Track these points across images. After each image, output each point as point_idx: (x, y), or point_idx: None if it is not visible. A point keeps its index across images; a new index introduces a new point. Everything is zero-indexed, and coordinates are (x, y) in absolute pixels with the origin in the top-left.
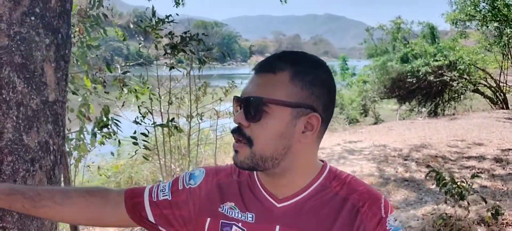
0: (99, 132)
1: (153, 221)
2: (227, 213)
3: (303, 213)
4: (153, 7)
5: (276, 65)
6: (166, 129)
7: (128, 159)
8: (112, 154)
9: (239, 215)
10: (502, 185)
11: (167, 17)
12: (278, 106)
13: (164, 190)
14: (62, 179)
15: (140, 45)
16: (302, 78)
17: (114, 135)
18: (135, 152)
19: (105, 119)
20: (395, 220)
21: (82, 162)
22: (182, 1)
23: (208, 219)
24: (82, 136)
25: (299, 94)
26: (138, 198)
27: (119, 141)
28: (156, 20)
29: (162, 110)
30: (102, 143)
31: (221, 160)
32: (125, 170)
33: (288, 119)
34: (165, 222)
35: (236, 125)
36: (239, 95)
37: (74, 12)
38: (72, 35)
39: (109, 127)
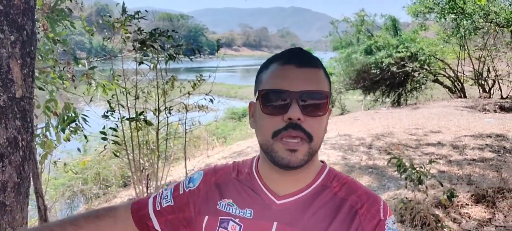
0: (65, 127)
1: (159, 230)
2: (224, 209)
3: (302, 212)
4: (123, 4)
5: (315, 61)
6: (133, 124)
7: (95, 155)
8: (79, 150)
9: (237, 211)
10: (458, 170)
11: (137, 13)
12: (328, 100)
13: (166, 197)
14: (31, 175)
15: (106, 39)
16: (326, 74)
17: (80, 130)
18: (105, 147)
19: (71, 115)
20: (394, 223)
21: (48, 159)
22: None
23: (206, 217)
24: (48, 132)
25: (329, 87)
26: (143, 210)
27: (85, 137)
28: (125, 16)
29: (129, 105)
30: (68, 139)
31: (191, 153)
32: (93, 166)
33: (329, 112)
34: (171, 228)
35: (287, 122)
36: (284, 89)
37: (37, 7)
38: (37, 31)
39: (77, 122)
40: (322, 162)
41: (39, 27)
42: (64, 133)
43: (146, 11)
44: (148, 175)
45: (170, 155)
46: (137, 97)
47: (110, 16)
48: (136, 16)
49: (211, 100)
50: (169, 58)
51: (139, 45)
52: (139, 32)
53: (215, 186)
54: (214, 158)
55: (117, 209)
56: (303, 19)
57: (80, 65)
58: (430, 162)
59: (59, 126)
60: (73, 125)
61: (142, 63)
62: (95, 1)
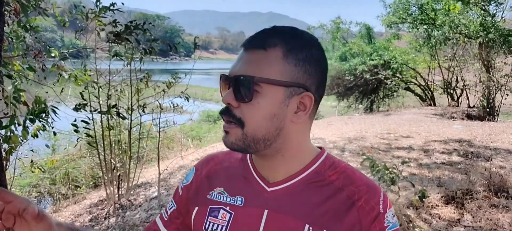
0: (34, 119)
1: None
2: (215, 198)
3: (293, 199)
4: None
5: (267, 41)
6: (105, 122)
7: (64, 153)
8: (47, 146)
9: (228, 199)
10: (428, 172)
11: (112, 4)
12: (270, 85)
13: (170, 205)
14: None
15: (79, 31)
16: (295, 55)
17: (49, 125)
18: (77, 140)
19: (39, 107)
20: (394, 216)
21: (13, 155)
22: None
23: (196, 208)
24: (13, 126)
25: (292, 72)
26: (154, 227)
27: (54, 133)
28: (100, 8)
29: (101, 102)
30: (35, 135)
31: (165, 155)
32: (61, 165)
33: (281, 99)
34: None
35: (225, 106)
36: (226, 74)
37: None
38: (7, 15)
39: (47, 113)
40: (321, 148)
41: (10, 11)
42: (33, 123)
43: (122, 3)
44: (119, 175)
45: (142, 155)
46: (109, 96)
47: (84, 6)
48: (111, 7)
49: (187, 99)
50: (144, 53)
51: (114, 37)
52: (114, 24)
53: (206, 177)
54: (188, 159)
55: None
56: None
57: (52, 56)
58: (403, 162)
59: (27, 119)
60: (39, 120)
61: (116, 55)
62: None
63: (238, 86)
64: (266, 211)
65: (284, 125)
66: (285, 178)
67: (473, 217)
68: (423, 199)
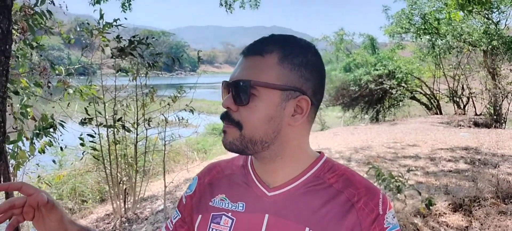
0: (41, 134)
1: None
2: (217, 205)
3: (293, 203)
4: (101, 10)
5: (263, 48)
6: (111, 137)
7: (71, 169)
8: (54, 162)
9: (230, 206)
10: (435, 180)
11: (115, 20)
12: (267, 89)
13: (174, 215)
14: (2, 178)
15: (85, 49)
16: (291, 61)
17: (56, 140)
18: (83, 154)
19: (46, 123)
20: (394, 218)
21: (20, 171)
22: (129, 6)
23: (200, 216)
24: (21, 142)
25: (287, 76)
26: None
27: (61, 148)
28: (104, 24)
29: (107, 117)
30: (42, 151)
31: (170, 168)
32: (68, 180)
33: (277, 102)
34: None
35: (224, 110)
36: (227, 80)
37: (16, 9)
38: (14, 33)
39: (54, 128)
40: (320, 152)
41: (18, 29)
42: (41, 138)
43: (125, 18)
44: (125, 189)
45: (148, 169)
46: (115, 112)
47: (88, 23)
48: (114, 23)
49: (192, 112)
50: (148, 67)
51: (118, 53)
52: (118, 39)
53: (209, 185)
54: (194, 172)
55: None
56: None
57: (57, 73)
58: (409, 170)
59: (34, 134)
60: (48, 135)
61: (121, 71)
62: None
63: (237, 90)
64: (266, 216)
65: (281, 128)
66: (285, 182)
67: (482, 225)
68: (430, 207)
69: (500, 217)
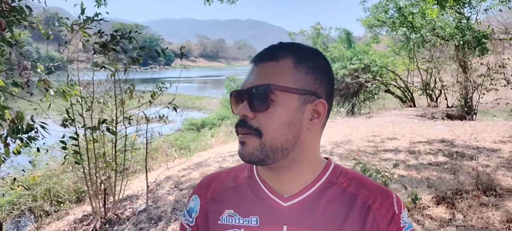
0: (18, 137)
1: None
2: (226, 222)
3: (311, 211)
4: (82, 4)
5: (276, 53)
6: (88, 136)
7: (45, 169)
8: (31, 162)
9: (241, 221)
10: (417, 174)
11: (96, 15)
12: (285, 93)
13: None
14: None
15: (63, 45)
16: (305, 65)
17: (36, 140)
18: (65, 157)
19: (27, 123)
20: (408, 217)
21: None
22: (104, 1)
23: None
24: None
25: (304, 80)
26: None
27: (38, 149)
28: (85, 18)
29: (85, 117)
30: (18, 152)
31: (150, 166)
32: (43, 181)
33: (296, 106)
34: None
35: (239, 119)
36: (238, 89)
37: None
38: None
39: (36, 130)
40: (327, 158)
41: None
42: (21, 141)
43: (107, 13)
44: (105, 189)
45: (128, 167)
46: (89, 109)
47: (67, 18)
48: (96, 18)
49: (175, 109)
50: (132, 62)
51: (100, 48)
52: (99, 35)
53: (212, 201)
54: (175, 170)
55: None
56: (260, 32)
57: (37, 71)
58: (394, 165)
59: (9, 135)
60: (29, 136)
61: (103, 67)
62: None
63: (253, 97)
64: (285, 228)
65: (301, 133)
66: (300, 190)
67: (464, 217)
68: (416, 201)
69: (482, 209)
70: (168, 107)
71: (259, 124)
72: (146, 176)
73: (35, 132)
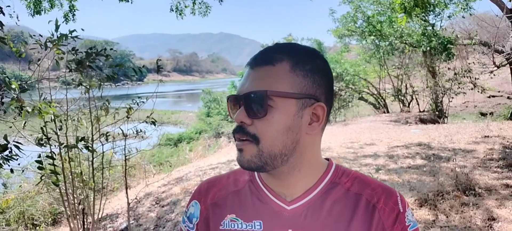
0: None
1: None
2: (228, 227)
3: (316, 213)
4: (57, 21)
5: (272, 57)
6: (64, 155)
7: (18, 191)
8: (4, 185)
9: (243, 226)
10: (398, 177)
11: (71, 32)
12: (283, 98)
13: None
14: None
15: (38, 62)
16: (302, 68)
17: (10, 160)
18: (41, 178)
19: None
20: (412, 215)
21: None
22: (73, 17)
23: None
24: None
25: (301, 84)
26: None
27: (11, 170)
28: (59, 35)
29: (58, 133)
30: None
31: (128, 183)
32: (16, 204)
33: (294, 111)
34: None
35: (236, 125)
36: (235, 94)
37: None
38: None
39: (10, 150)
40: (328, 159)
41: None
42: None
43: (82, 29)
44: (83, 209)
45: (106, 184)
46: (61, 128)
47: (41, 35)
48: (70, 35)
49: (153, 123)
50: (107, 79)
51: (76, 66)
52: (74, 52)
53: (212, 206)
54: (154, 186)
55: None
56: (232, 44)
57: (12, 88)
58: (377, 170)
59: None
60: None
61: (81, 84)
62: (8, 29)
63: (250, 103)
64: None
65: (299, 138)
66: (304, 193)
67: (447, 217)
68: None
69: (464, 209)
70: (146, 121)
71: (256, 131)
72: (126, 192)
73: (9, 151)
